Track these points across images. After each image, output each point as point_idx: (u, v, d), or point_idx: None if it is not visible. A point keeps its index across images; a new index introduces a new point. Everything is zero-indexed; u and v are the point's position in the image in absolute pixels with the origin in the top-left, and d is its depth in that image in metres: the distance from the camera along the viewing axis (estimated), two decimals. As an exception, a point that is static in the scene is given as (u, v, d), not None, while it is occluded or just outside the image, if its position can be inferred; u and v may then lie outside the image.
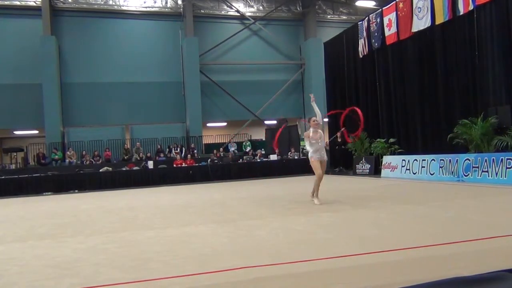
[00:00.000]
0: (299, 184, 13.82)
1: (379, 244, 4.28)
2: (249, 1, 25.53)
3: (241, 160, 20.19)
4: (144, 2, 23.73)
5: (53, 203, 12.10)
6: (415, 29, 14.19)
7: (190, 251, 4.54)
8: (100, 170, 18.03)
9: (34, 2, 21.95)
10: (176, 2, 24.20)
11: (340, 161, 18.32)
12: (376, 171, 15.32)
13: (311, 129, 8.15)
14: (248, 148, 22.43)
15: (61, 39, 22.43)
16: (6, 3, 21.64)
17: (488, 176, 10.32)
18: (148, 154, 21.03)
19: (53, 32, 21.90)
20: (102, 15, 23.17)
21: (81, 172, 17.84)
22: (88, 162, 19.75)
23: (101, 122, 22.79)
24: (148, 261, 4.19)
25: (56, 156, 20.09)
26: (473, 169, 10.83)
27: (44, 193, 16.07)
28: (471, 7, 11.96)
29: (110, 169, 18.30)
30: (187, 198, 11.35)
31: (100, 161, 20.18)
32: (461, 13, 12.33)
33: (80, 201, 12.21)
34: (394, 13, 15.18)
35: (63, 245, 5.40)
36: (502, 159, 10.03)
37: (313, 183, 8.21)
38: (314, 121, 8.17)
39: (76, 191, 16.43)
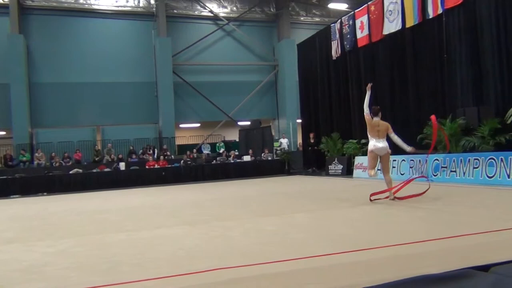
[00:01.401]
0: (272, 185, 13.87)
1: (351, 244, 4.34)
2: (222, 2, 25.50)
3: (214, 161, 20.11)
4: (116, 1, 23.41)
5: (20, 206, 11.78)
6: (386, 31, 14.45)
7: (163, 253, 4.50)
8: (70, 172, 17.66)
9: (2, 0, 21.35)
10: (148, 2, 23.96)
11: (313, 161, 18.48)
12: (348, 171, 15.51)
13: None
14: (222, 149, 22.37)
15: (30, 38, 21.90)
16: (-29, 0, 21.04)
17: (456, 176, 10.59)
18: (120, 156, 20.72)
19: (21, 30, 21.36)
20: (72, 13, 22.73)
21: (50, 174, 17.42)
22: (57, 164, 19.30)
23: (71, 123, 22.36)
24: (120, 264, 4.13)
25: (24, 158, 19.56)
26: (442, 169, 11.09)
27: (11, 196, 15.63)
28: (440, 11, 12.25)
29: (81, 171, 17.95)
30: (160, 199, 11.24)
31: (70, 163, 19.76)
32: (431, 17, 12.61)
33: (49, 204, 11.94)
34: (366, 15, 15.41)
35: (31, 249, 5.27)
36: (469, 159, 10.31)
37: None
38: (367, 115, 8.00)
39: (45, 193, 16.04)
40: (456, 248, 3.95)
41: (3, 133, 22.42)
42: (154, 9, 23.95)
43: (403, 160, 12.61)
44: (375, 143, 7.80)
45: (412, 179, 8.27)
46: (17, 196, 15.69)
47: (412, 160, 12.20)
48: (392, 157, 13.21)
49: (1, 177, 16.74)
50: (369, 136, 7.95)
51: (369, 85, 8.34)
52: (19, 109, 20.82)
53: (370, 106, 8.03)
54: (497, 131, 10.34)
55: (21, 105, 20.93)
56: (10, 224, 7.88)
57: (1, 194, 15.53)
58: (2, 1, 21.32)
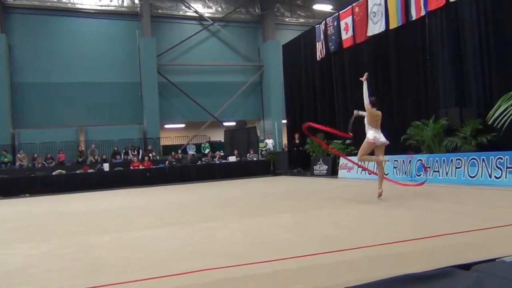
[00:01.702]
0: (258, 186, 13.88)
1: (336, 244, 4.37)
2: (207, 2, 25.45)
3: (199, 162, 20.06)
4: (100, 1, 23.20)
5: (2, 208, 11.60)
6: (370, 33, 14.57)
7: (148, 255, 4.47)
8: (53, 173, 17.43)
9: (-18, -2, 21.03)
10: (133, 2, 23.80)
11: (298, 162, 18.54)
12: (333, 172, 15.59)
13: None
14: (207, 150, 22.33)
15: (12, 37, 21.58)
16: (-49, -2, 20.65)
17: (439, 176, 10.72)
18: (104, 156, 20.53)
19: (3, 29, 21.07)
20: (55, 13, 22.46)
21: (33, 175, 17.17)
22: (40, 165, 19.05)
23: (54, 123, 22.07)
24: (104, 266, 4.10)
25: (6, 159, 19.26)
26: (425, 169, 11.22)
27: (-8, 198, 15.37)
28: (423, 13, 12.40)
29: (64, 172, 17.72)
30: (145, 200, 11.17)
31: (53, 164, 19.52)
32: (414, 18, 12.76)
33: (32, 206, 11.77)
34: (351, 17, 15.52)
35: (14, 251, 5.19)
36: (452, 159, 10.46)
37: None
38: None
39: (28, 195, 15.80)
40: (439, 247, 4.00)
41: (-16, 133, 22.03)
42: (138, 8, 23.79)
43: (387, 160, 12.70)
44: (376, 134, 7.87)
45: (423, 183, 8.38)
46: (-2, 197, 15.44)
47: (396, 161, 12.32)
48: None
49: (-18, 179, 16.46)
50: (368, 126, 7.99)
51: (365, 75, 8.35)
52: (0, 109, 20.49)
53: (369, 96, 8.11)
54: (479, 131, 10.50)
55: (2, 105, 20.61)
56: (-9, 226, 7.75)
57: (-18, 196, 15.27)
58: (-18, 0, 20.99)
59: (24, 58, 21.79)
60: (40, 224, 7.81)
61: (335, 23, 16.46)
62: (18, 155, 19.66)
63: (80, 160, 20.06)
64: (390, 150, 13.20)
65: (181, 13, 24.99)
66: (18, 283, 3.68)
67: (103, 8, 23.41)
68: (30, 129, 21.77)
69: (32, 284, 3.63)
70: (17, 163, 19.30)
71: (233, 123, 25.43)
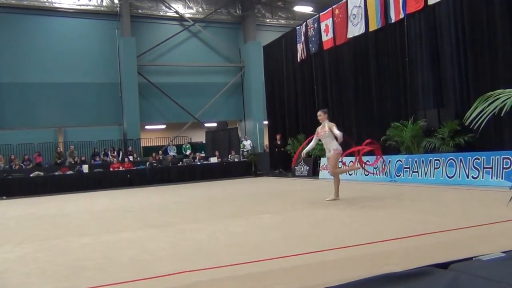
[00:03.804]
0: (239, 187, 13.87)
1: (316, 244, 4.39)
2: (188, 3, 25.33)
3: (180, 163, 19.96)
4: (78, 0, 22.86)
5: (-22, 211, 11.34)
6: (350, 35, 14.71)
7: (128, 257, 4.43)
8: (31, 175, 17.12)
9: (-44, -4, 20.53)
10: (112, 1, 23.53)
11: (280, 163, 18.60)
12: (314, 172, 15.69)
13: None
14: (188, 151, 22.22)
15: (-13, 36, 21.11)
16: None
17: (418, 176, 10.89)
18: (83, 158, 20.25)
19: (-23, 28, 20.59)
20: (32, 12, 22.04)
21: (10, 177, 16.85)
22: (17, 167, 18.68)
23: (32, 124, 21.67)
24: (83, 269, 4.04)
25: (-18, 161, 18.85)
26: (404, 169, 11.38)
27: (-32, 200, 15.03)
28: (401, 15, 12.58)
29: (42, 173, 17.43)
30: (125, 202, 11.05)
31: (31, 165, 19.17)
32: (393, 21, 12.93)
33: (9, 208, 11.54)
34: (331, 19, 15.64)
35: (-10, 255, 5.08)
36: (430, 160, 10.63)
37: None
38: (319, 115, 8.19)
39: (4, 197, 15.49)
40: (417, 247, 4.05)
41: (-42, 135, 21.52)
42: (117, 8, 23.52)
43: (367, 161, 12.82)
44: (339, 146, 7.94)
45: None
46: (-27, 200, 15.09)
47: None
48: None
49: (-43, 181, 16.08)
50: (331, 138, 7.98)
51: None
52: (-25, 110, 20.06)
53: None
54: (456, 132, 10.70)
55: (-22, 106, 20.17)
56: (-34, 230, 7.57)
57: (-44, 199, 14.91)
58: (-43, -2, 20.50)
59: (0, 57, 21.34)
60: (16, 227, 7.65)
61: (316, 25, 16.57)
62: (-5, 157, 19.25)
63: (58, 161, 19.75)
64: (370, 150, 13.37)
65: (161, 13, 24.82)
66: (-6, 288, 3.61)
67: (82, 7, 23.09)
68: (7, 130, 21.32)
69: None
70: (-7, 165, 18.89)
71: (215, 124, 25.36)
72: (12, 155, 19.55)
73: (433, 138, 11.22)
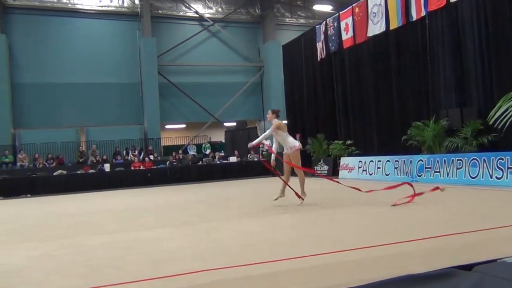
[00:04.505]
0: (258, 186, 13.86)
1: (335, 244, 4.35)
2: (207, 3, 25.44)
3: (200, 162, 20.04)
4: (100, 1, 23.19)
5: (2, 208, 11.59)
6: (370, 33, 14.55)
7: (146, 256, 4.45)
8: (54, 174, 17.43)
9: (-18, -2, 21.03)
10: (133, 2, 23.79)
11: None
12: (334, 172, 15.58)
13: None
14: (208, 150, 22.31)
15: (12, 38, 21.58)
16: (-49, -1, 20.63)
17: (440, 176, 10.70)
18: (105, 157, 20.52)
19: (3, 30, 21.07)
20: (55, 13, 22.44)
21: (34, 175, 17.18)
22: (41, 166, 19.04)
23: (55, 124, 22.06)
24: (103, 267, 4.08)
25: (7, 159, 19.27)
26: (426, 169, 11.21)
27: (-7, 198, 15.37)
28: (423, 13, 12.39)
29: (65, 172, 17.72)
30: (145, 201, 11.15)
31: (54, 164, 19.51)
32: (414, 19, 12.74)
33: (32, 206, 11.77)
34: (351, 17, 15.50)
35: (12, 252, 5.18)
36: (453, 159, 10.44)
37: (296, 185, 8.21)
38: (267, 114, 8.31)
39: (29, 195, 15.81)
40: (440, 248, 3.98)
41: (-16, 134, 22.03)
42: (138, 9, 23.78)
43: (388, 161, 12.71)
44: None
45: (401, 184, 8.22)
46: (-1, 198, 15.44)
47: (397, 161, 12.30)
48: (376, 158, 13.36)
49: (-17, 179, 16.47)
50: (285, 135, 8.01)
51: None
52: (1, 110, 20.50)
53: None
54: (479, 132, 10.49)
55: (3, 105, 20.60)
56: (-9, 227, 7.74)
57: (-18, 197, 15.26)
58: (-17, 0, 21.00)
59: (24, 58, 21.78)
60: (39, 224, 7.79)
61: (335, 24, 16.44)
62: (19, 156, 19.65)
63: (81, 160, 20.05)
64: (390, 150, 13.24)
65: (181, 13, 24.99)
66: (15, 283, 3.67)
67: (104, 8, 23.41)
68: (31, 129, 21.75)
69: (30, 285, 3.61)
70: (18, 164, 19.29)
71: (234, 124, 25.41)
72: (36, 154, 19.93)
73: (456, 138, 11.03)
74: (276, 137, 8.12)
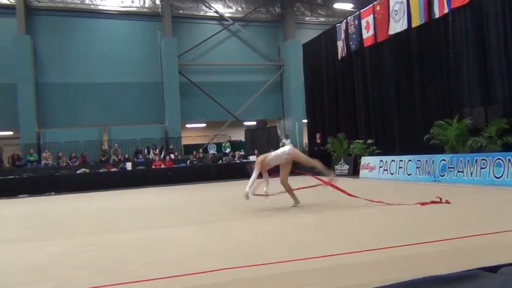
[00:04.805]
0: (278, 185, 13.83)
1: (356, 244, 4.31)
2: (227, 2, 25.51)
3: (220, 161, 20.13)
4: (122, 2, 23.48)
5: (28, 206, 11.85)
6: (392, 31, 14.39)
7: (168, 253, 4.50)
8: (77, 172, 17.74)
9: (9, 0, 21.50)
10: (154, 2, 24.02)
11: (320, 162, 18.41)
12: (354, 171, 15.47)
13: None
14: (228, 149, 22.39)
15: (36, 39, 22.02)
16: (-22, 1, 21.17)
17: (464, 176, 10.51)
18: (126, 156, 20.79)
19: (28, 31, 21.49)
20: (78, 14, 22.84)
21: (58, 173, 17.52)
22: (64, 164, 19.40)
23: (78, 123, 22.45)
24: (126, 263, 4.14)
25: (32, 158, 19.69)
26: (449, 169, 11.02)
27: (19, 195, 15.72)
28: (446, 11, 12.19)
29: (87, 170, 18.03)
30: (166, 199, 11.26)
31: (77, 162, 19.85)
32: (437, 16, 12.55)
33: (57, 203, 12.00)
34: (372, 15, 15.35)
35: (38, 248, 5.29)
36: (476, 159, 10.24)
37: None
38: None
39: (53, 193, 16.13)
40: (464, 249, 3.92)
41: (10, 133, 22.55)
42: (159, 9, 24.01)
43: (410, 160, 12.55)
44: None
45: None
46: (25, 195, 15.77)
47: (419, 160, 12.14)
48: (398, 157, 13.20)
49: (9, 177, 16.87)
50: (274, 155, 7.94)
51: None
52: (26, 109, 20.95)
53: None
54: (504, 131, 10.28)
55: (28, 105, 21.05)
56: (17, 224, 7.92)
57: (9, 194, 15.63)
58: (9, 2, 21.46)
59: (48, 58, 22.21)
60: (63, 221, 7.94)
61: (356, 22, 16.31)
62: (44, 154, 20.06)
63: (103, 159, 20.35)
64: (412, 149, 13.08)
65: (201, 13, 25.13)
66: (41, 279, 3.75)
67: (125, 9, 23.70)
68: (55, 128, 22.18)
69: (55, 280, 3.68)
70: (43, 162, 19.70)
71: (254, 123, 25.43)
72: (60, 153, 20.31)
73: (480, 137, 10.82)
74: (266, 167, 7.97)
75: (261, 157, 7.84)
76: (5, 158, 21.01)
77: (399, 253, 3.90)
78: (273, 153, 7.84)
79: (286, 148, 8.03)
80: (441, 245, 4.12)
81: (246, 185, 7.53)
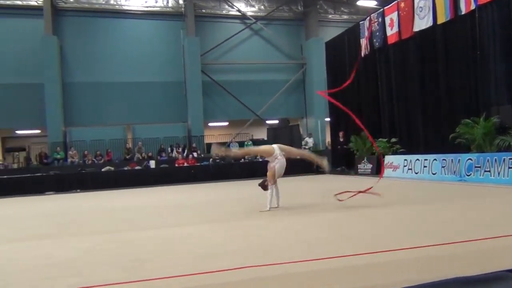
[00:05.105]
0: (300, 184, 13.80)
1: (379, 244, 4.25)
2: (250, 1, 25.52)
3: (242, 159, 20.18)
4: (146, 2, 23.73)
5: (54, 203, 12.10)
6: (416, 28, 14.15)
7: (188, 251, 4.52)
8: (102, 170, 18.04)
9: (36, 2, 21.98)
10: (177, 2, 24.20)
11: (342, 160, 18.29)
12: (378, 170, 15.28)
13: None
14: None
15: (63, 39, 22.45)
16: (8, 2, 21.67)
17: (491, 176, 10.27)
18: (150, 154, 21.03)
19: (54, 32, 21.93)
20: (103, 14, 23.19)
21: (83, 171, 17.85)
22: (90, 162, 19.76)
23: (103, 121, 22.81)
24: (146, 261, 4.17)
25: (58, 156, 20.11)
26: (475, 169, 10.78)
27: (46, 193, 16.09)
28: (473, 7, 11.92)
29: (112, 168, 18.31)
30: (188, 197, 11.34)
31: (102, 160, 20.19)
32: (463, 13, 12.29)
33: (82, 201, 12.22)
34: (396, 12, 15.14)
35: (62, 245, 5.39)
36: (504, 159, 9.99)
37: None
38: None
39: (78, 190, 16.44)
40: (490, 250, 3.82)
41: (38, 131, 23.06)
42: (182, 9, 24.18)
43: (435, 159, 12.32)
44: None
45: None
46: (51, 192, 16.14)
47: (444, 160, 11.91)
48: (422, 156, 12.98)
49: (37, 174, 17.28)
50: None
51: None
52: (53, 108, 21.40)
53: None
54: (533, 130, 10.00)
55: (55, 104, 21.50)
56: (44, 220, 8.10)
57: (36, 191, 16.03)
58: (36, 3, 21.94)
59: (74, 58, 22.62)
60: (87, 219, 8.08)
61: (380, 19, 16.10)
62: (70, 152, 20.47)
63: (127, 157, 20.64)
64: (437, 148, 12.84)
65: (224, 12, 25.20)
66: (65, 275, 3.81)
67: (149, 9, 23.96)
68: (81, 127, 22.59)
69: (79, 276, 3.74)
70: (69, 160, 20.10)
71: (276, 121, 25.38)
72: (86, 151, 20.69)
73: (507, 136, 10.55)
74: (278, 178, 7.88)
75: (271, 172, 7.74)
76: (33, 156, 21.53)
77: (425, 253, 3.83)
78: (276, 165, 7.69)
79: (277, 152, 7.86)
80: (467, 245, 4.03)
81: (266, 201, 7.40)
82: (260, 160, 20.02)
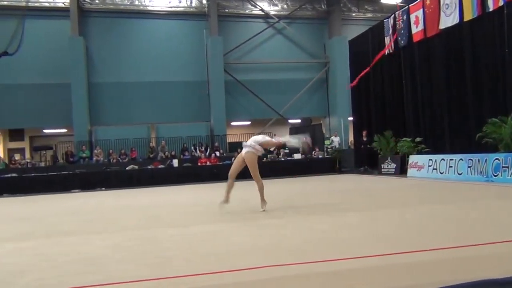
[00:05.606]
0: (323, 183, 13.73)
1: (404, 245, 4.20)
2: (273, 0, 25.49)
3: (265, 159, 20.17)
4: (169, 2, 23.98)
5: (80, 200, 12.33)
6: (442, 26, 13.91)
7: (213, 249, 4.55)
8: (127, 168, 18.30)
9: (63, 3, 22.45)
10: (200, 2, 24.37)
11: (365, 160, 18.12)
12: (402, 170, 15.09)
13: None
14: (272, 148, 22.36)
15: (89, 40, 22.87)
16: (35, 4, 22.17)
17: (519, 177, 10.03)
18: (173, 153, 21.23)
19: (80, 32, 22.35)
20: (128, 15, 23.55)
21: (108, 170, 18.13)
22: (114, 160, 20.08)
23: (127, 121, 23.14)
24: (171, 258, 4.22)
25: (84, 154, 20.51)
26: (503, 169, 10.54)
27: (72, 190, 16.41)
28: (501, 3, 11.65)
29: (136, 167, 18.55)
30: (211, 196, 11.39)
31: (126, 159, 20.49)
32: (491, 10, 12.02)
33: (106, 199, 12.41)
34: (421, 10, 14.90)
35: (88, 241, 5.49)
36: (533, 159, 9.74)
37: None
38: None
39: (103, 188, 16.71)
40: (518, 253, 3.73)
41: (64, 130, 23.57)
42: (206, 8, 24.34)
43: (461, 159, 12.10)
44: None
45: None
46: (77, 190, 16.45)
47: (471, 159, 11.68)
48: (448, 156, 12.75)
49: (63, 173, 17.63)
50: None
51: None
52: (79, 107, 21.83)
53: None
54: None
55: (81, 104, 21.92)
56: (69, 217, 8.26)
57: (63, 189, 16.36)
58: (63, 5, 22.40)
59: (100, 59, 23.03)
60: (112, 216, 8.20)
61: (405, 17, 15.88)
62: (95, 151, 20.85)
63: (151, 156, 20.89)
64: (463, 148, 12.60)
65: (247, 11, 25.26)
66: (91, 272, 3.88)
67: (173, 9, 24.20)
68: (106, 126, 22.98)
69: (104, 273, 3.80)
70: (94, 159, 20.48)
71: (299, 121, 25.30)
72: (110, 150, 21.04)
73: (537, 135, 10.29)
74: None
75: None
76: (60, 155, 22.00)
77: (446, 255, 3.77)
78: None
79: (248, 143, 7.87)
80: (491, 247, 3.94)
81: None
82: (282, 159, 20.01)
